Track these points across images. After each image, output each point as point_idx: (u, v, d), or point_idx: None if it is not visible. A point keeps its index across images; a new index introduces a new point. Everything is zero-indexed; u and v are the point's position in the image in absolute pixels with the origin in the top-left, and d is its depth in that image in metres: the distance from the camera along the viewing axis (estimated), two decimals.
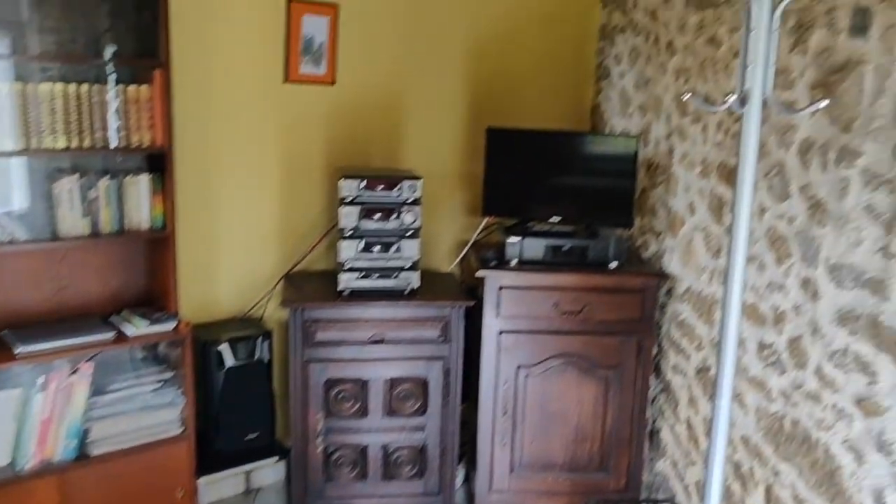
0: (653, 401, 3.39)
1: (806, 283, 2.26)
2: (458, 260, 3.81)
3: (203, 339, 3.29)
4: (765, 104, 1.71)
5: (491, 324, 3.21)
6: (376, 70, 3.69)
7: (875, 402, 1.95)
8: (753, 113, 1.66)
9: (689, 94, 1.69)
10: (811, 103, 1.74)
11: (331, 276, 3.33)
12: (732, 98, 1.66)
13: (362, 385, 3.27)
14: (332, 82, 3.58)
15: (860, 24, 2.01)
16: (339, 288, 3.22)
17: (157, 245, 3.06)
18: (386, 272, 3.23)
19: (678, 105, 3.20)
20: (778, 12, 1.65)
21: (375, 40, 3.65)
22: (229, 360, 3.29)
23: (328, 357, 3.21)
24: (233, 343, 3.31)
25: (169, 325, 3.00)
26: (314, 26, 3.46)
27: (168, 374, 3.10)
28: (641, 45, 3.63)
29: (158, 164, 2.96)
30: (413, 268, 3.25)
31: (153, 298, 3.17)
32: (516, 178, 3.40)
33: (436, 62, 3.81)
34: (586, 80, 4.20)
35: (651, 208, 3.48)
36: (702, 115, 2.95)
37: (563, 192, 3.40)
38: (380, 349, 3.24)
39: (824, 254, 2.17)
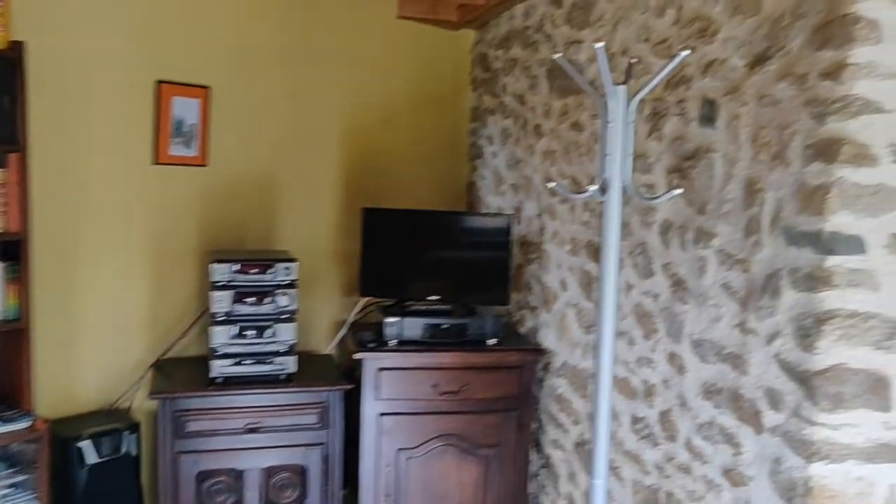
0: (534, 477, 3.40)
1: (672, 358, 2.35)
2: (336, 341, 3.76)
3: (63, 435, 3.08)
4: (624, 191, 1.79)
5: (370, 407, 3.16)
6: (251, 151, 3.65)
7: (740, 472, 2.03)
8: (613, 200, 1.74)
9: (554, 183, 1.75)
10: (666, 192, 1.84)
11: (203, 362, 3.21)
12: (593, 187, 1.73)
13: (237, 476, 3.14)
14: (205, 164, 3.52)
15: (708, 115, 2.16)
16: (212, 375, 3.10)
17: (11, 337, 2.87)
18: (261, 357, 3.14)
19: (547, 185, 3.31)
20: (632, 106, 1.75)
21: (249, 122, 3.63)
22: (91, 457, 3.09)
23: (201, 448, 3.07)
24: (96, 438, 3.11)
25: (22, 424, 2.79)
26: (184, 108, 3.41)
27: (21, 477, 2.87)
28: (511, 127, 3.76)
29: (14, 251, 2.80)
30: (289, 352, 3.17)
31: (5, 395, 2.95)
32: (393, 257, 3.41)
33: (312, 143, 3.81)
34: (461, 160, 4.30)
35: (526, 284, 3.56)
36: None
37: (441, 270, 3.43)
38: (256, 438, 3.13)
39: (688, 329, 2.26)
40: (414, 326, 3.22)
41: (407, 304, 3.38)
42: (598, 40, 2.83)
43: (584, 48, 2.95)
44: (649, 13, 2.48)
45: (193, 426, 3.05)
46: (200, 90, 3.45)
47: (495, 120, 3.98)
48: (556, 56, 1.79)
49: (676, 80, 2.31)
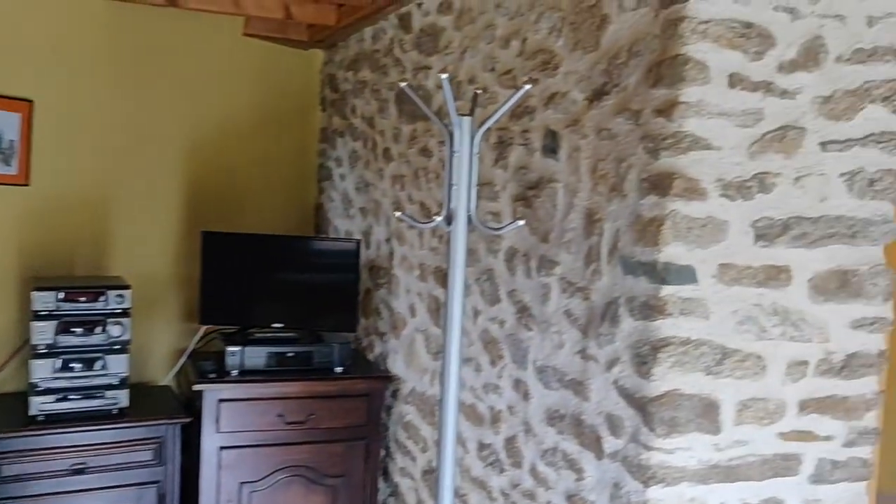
0: None
1: (518, 384, 2.37)
2: (174, 372, 3.56)
3: None
4: (469, 221, 1.78)
5: (210, 440, 3.01)
6: (81, 169, 3.42)
7: (583, 498, 2.06)
8: (459, 231, 1.73)
9: (400, 213, 1.72)
10: (509, 223, 1.86)
11: (23, 399, 2.95)
12: (439, 218, 1.72)
13: None
14: (27, 183, 3.26)
15: (551, 146, 2.20)
16: (32, 413, 2.85)
17: None
18: (89, 391, 2.92)
19: (396, 209, 3.29)
20: (477, 137, 1.75)
21: (80, 138, 3.40)
22: None
23: (20, 494, 2.81)
24: None
25: None
26: (4, 122, 3.15)
27: None
28: (360, 149, 3.72)
29: None
30: (121, 385, 2.97)
31: None
32: (235, 283, 3.28)
33: (150, 162, 3.61)
34: (309, 181, 4.22)
35: (375, 310, 3.51)
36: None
37: (286, 296, 3.33)
38: (82, 479, 2.90)
39: (532, 355, 2.29)
40: (257, 355, 3.10)
41: (250, 331, 3.25)
42: (444, 70, 2.85)
43: (433, 74, 2.96)
44: (495, 43, 2.52)
45: (9, 470, 2.79)
46: (22, 104, 3.19)
47: (344, 142, 3.93)
48: (403, 84, 1.77)
49: (521, 111, 2.35)
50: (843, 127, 1.83)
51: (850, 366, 1.89)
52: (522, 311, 2.34)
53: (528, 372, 2.31)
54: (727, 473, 1.84)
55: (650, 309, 1.79)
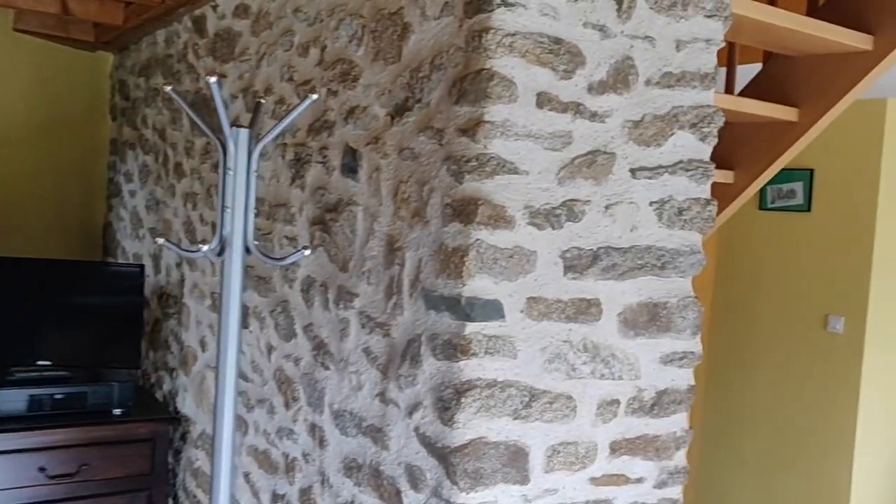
0: None
1: (313, 429, 2.12)
2: None
3: None
4: (247, 250, 1.53)
5: None
6: None
7: None
8: (233, 262, 1.48)
9: (163, 240, 1.44)
10: (293, 252, 1.62)
11: None
12: (206, 247, 1.45)
13: None
14: None
15: (351, 165, 1.99)
16: None
17: None
18: None
19: (188, 231, 2.96)
20: (256, 153, 1.51)
21: None
22: None
23: None
24: None
25: None
26: None
27: None
28: (152, 163, 3.36)
29: None
30: None
31: None
32: None
33: None
34: (97, 198, 3.79)
35: (164, 342, 3.15)
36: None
37: (55, 330, 2.91)
38: None
39: (329, 398, 2.06)
40: (16, 399, 2.67)
41: (9, 371, 2.80)
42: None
43: (229, 83, 2.68)
44: (293, 51, 2.28)
45: None
46: None
47: (135, 155, 3.54)
48: (168, 89, 1.50)
49: (320, 126, 2.13)
50: (652, 153, 1.75)
51: (660, 403, 1.80)
52: (319, 347, 2.10)
53: (324, 416, 2.07)
54: None
55: (454, 348, 1.61)
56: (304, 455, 2.16)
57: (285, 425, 2.25)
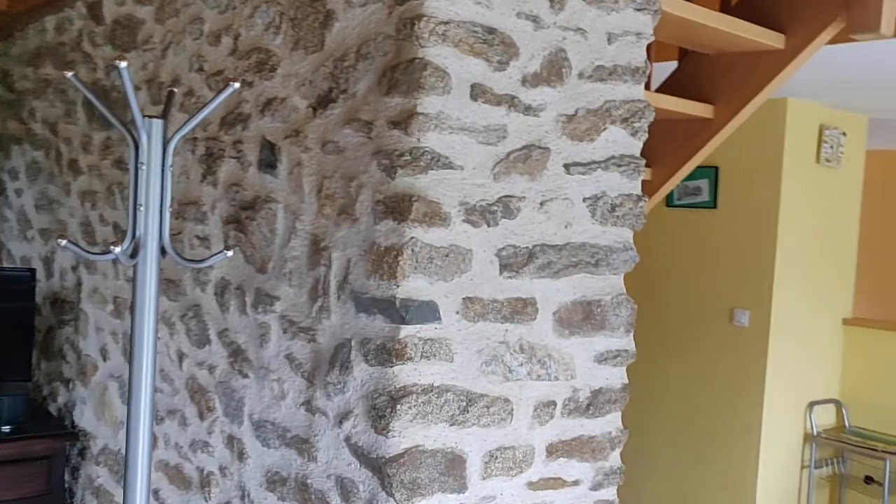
0: None
1: (231, 441, 2.00)
2: None
3: None
4: (163, 251, 1.41)
5: None
6: None
7: None
8: (148, 265, 1.35)
9: (65, 241, 1.30)
10: (214, 254, 1.50)
11: None
12: (118, 249, 1.32)
13: None
14: None
15: (268, 160, 1.88)
16: None
17: None
18: None
19: (85, 232, 2.76)
20: (171, 147, 1.38)
21: None
22: None
23: None
24: None
25: None
26: None
27: None
28: (43, 160, 3.13)
29: None
30: None
31: None
32: None
33: None
34: None
35: (59, 351, 2.93)
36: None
37: None
38: None
39: (248, 408, 1.94)
40: None
41: None
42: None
43: (131, 74, 2.50)
44: (203, 40, 2.14)
45: None
46: None
47: (22, 151, 3.30)
48: (69, 75, 1.35)
49: (233, 118, 2.00)
50: (585, 148, 1.71)
51: (595, 403, 1.77)
52: (236, 354, 1.97)
53: (243, 427, 1.95)
54: None
55: (387, 353, 1.53)
56: (222, 469, 2.03)
57: (200, 437, 2.11)
